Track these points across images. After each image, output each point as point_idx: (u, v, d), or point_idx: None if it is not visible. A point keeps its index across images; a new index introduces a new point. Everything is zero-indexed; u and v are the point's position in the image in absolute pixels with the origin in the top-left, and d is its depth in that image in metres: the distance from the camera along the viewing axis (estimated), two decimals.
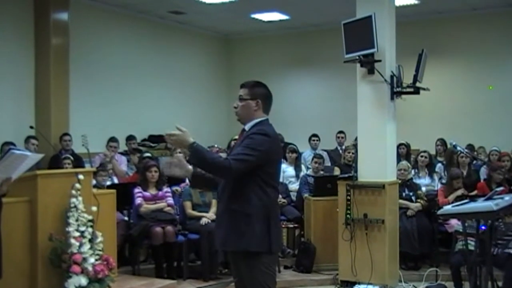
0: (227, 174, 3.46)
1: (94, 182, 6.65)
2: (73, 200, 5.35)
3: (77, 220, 5.33)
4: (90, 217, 5.46)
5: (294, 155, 9.16)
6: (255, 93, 3.67)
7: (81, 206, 5.38)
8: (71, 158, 8.01)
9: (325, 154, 10.45)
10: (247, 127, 3.65)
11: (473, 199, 5.59)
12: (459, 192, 7.53)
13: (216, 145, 10.44)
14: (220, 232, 3.64)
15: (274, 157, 3.64)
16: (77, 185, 5.40)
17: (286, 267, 7.69)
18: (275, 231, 3.57)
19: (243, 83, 3.75)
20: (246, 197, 3.51)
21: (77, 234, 5.29)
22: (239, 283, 3.67)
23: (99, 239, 5.47)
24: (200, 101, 12.72)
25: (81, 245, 5.27)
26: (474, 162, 8.80)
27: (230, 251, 3.72)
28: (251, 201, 3.51)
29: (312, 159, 8.64)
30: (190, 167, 3.69)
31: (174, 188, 7.84)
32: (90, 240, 5.37)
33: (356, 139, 9.85)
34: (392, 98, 6.77)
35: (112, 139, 9.05)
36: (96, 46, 10.36)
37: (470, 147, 9.53)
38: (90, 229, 5.41)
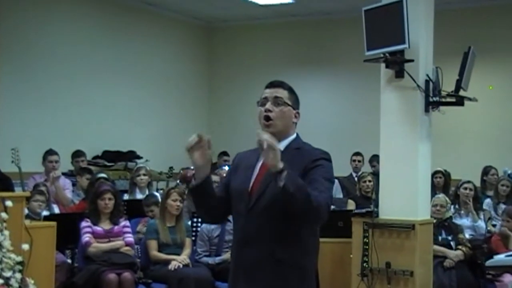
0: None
1: (26, 211, 6.60)
2: None
3: (0, 262, 5.29)
4: (19, 259, 5.41)
5: None
6: (295, 101, 3.55)
7: (7, 243, 5.34)
8: None
9: (335, 183, 10.45)
10: (282, 145, 3.44)
11: None
12: None
13: (192, 167, 10.42)
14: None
15: None
16: (4, 215, 5.36)
17: None
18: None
19: (275, 81, 3.56)
20: (301, 243, 3.41)
21: None
22: None
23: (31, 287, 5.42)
24: (172, 107, 12.75)
25: None
26: None
27: None
28: (307, 248, 3.45)
29: None
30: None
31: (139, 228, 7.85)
32: None
33: (374, 162, 9.92)
34: (427, 111, 6.78)
35: (50, 152, 8.92)
36: (35, 32, 10.35)
37: None
38: (18, 275, 5.36)
